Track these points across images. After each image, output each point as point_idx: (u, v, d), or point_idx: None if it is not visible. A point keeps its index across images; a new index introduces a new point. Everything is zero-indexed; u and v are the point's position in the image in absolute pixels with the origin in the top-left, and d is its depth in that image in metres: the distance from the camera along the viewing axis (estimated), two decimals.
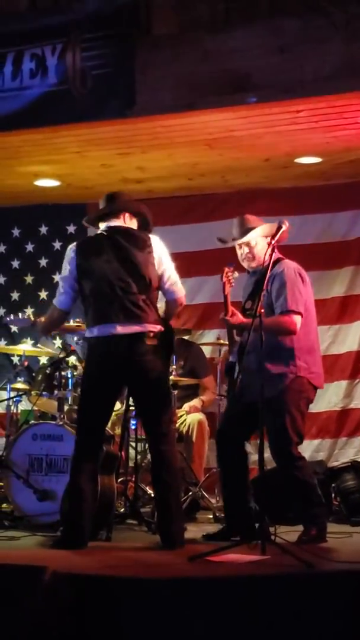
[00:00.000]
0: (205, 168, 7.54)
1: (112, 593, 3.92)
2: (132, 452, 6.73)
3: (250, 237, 5.47)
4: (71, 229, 8.56)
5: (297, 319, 5.32)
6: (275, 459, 5.32)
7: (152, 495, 6.19)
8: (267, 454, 5.05)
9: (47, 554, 5.00)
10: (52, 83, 6.51)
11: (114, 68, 6.34)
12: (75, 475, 5.20)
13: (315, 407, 7.47)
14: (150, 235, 5.35)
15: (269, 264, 5.11)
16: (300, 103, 6.08)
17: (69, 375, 6.39)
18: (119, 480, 6.15)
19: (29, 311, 8.53)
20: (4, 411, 7.18)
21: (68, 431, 5.97)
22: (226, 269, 5.46)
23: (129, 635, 3.85)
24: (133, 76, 6.28)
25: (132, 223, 5.41)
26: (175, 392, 6.51)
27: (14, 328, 8.61)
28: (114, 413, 6.18)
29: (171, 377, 6.36)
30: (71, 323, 6.27)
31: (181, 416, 7.10)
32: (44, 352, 7.75)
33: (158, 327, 5.23)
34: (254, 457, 5.71)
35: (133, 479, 6.47)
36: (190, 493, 6.49)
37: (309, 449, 7.49)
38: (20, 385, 6.97)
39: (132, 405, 6.08)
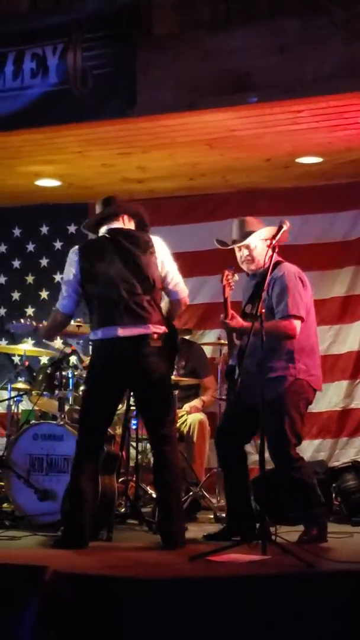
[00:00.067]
0: (206, 168, 7.54)
1: (112, 593, 3.92)
2: (132, 452, 6.73)
3: (250, 240, 5.47)
4: (72, 228, 8.57)
5: (297, 323, 5.32)
6: (273, 460, 5.32)
7: (153, 495, 6.20)
8: (268, 454, 5.05)
9: (47, 553, 5.00)
10: (53, 83, 6.51)
11: (115, 68, 6.34)
12: (76, 475, 5.20)
13: (316, 407, 7.48)
14: (152, 237, 5.35)
15: (269, 267, 5.10)
16: (300, 103, 6.08)
17: (70, 375, 6.40)
18: (120, 480, 6.15)
19: (30, 311, 8.54)
20: (5, 411, 7.19)
21: (69, 431, 5.97)
22: (226, 272, 5.45)
23: (129, 635, 3.85)
24: (134, 76, 6.28)
25: (131, 224, 5.41)
26: (176, 392, 6.52)
27: None
28: None
29: (172, 377, 6.37)
30: (72, 323, 6.27)
31: (182, 416, 7.10)
32: (44, 352, 7.76)
33: (162, 329, 5.23)
34: (254, 457, 5.72)
35: (134, 478, 6.48)
36: (191, 493, 6.48)
37: (309, 449, 7.50)
38: (21, 385, 6.97)
39: (132, 405, 6.08)
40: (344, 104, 6.06)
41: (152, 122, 6.43)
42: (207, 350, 7.71)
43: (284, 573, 4.20)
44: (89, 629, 3.88)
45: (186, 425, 7.09)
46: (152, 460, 5.50)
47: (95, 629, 3.89)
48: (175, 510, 5.22)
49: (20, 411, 7.20)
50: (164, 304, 5.40)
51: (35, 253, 8.76)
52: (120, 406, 6.34)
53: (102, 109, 6.39)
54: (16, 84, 6.60)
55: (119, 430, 6.55)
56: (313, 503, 5.35)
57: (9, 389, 6.95)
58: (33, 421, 6.44)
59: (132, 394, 5.74)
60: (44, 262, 8.72)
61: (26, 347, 7.27)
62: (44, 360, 8.15)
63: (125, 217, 5.41)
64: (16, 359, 8.20)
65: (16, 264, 8.82)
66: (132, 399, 5.95)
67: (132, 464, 6.64)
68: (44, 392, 6.40)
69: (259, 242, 5.49)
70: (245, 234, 5.50)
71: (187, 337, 7.47)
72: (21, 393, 6.94)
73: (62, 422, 6.09)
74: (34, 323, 6.25)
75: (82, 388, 6.32)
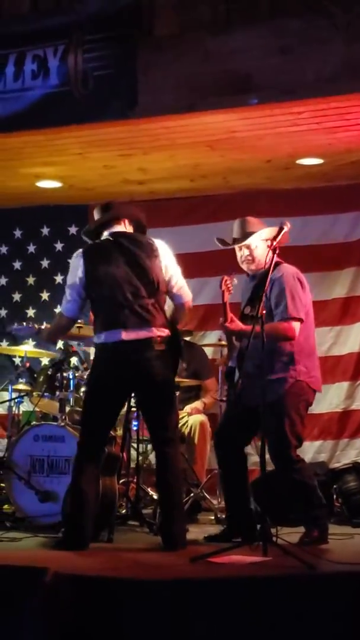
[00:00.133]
0: (206, 169, 7.54)
1: (113, 594, 3.91)
2: (133, 453, 6.72)
3: (251, 240, 5.47)
4: (73, 230, 8.57)
5: (297, 325, 5.32)
6: (274, 461, 5.32)
7: (154, 496, 6.20)
8: (268, 456, 5.04)
9: (48, 555, 5.00)
10: (53, 84, 6.51)
11: (116, 69, 6.35)
12: (77, 477, 5.20)
13: (317, 409, 7.48)
14: (156, 240, 5.36)
15: (269, 268, 5.09)
16: (301, 104, 6.08)
17: (71, 377, 6.40)
18: (121, 481, 6.15)
19: (31, 312, 8.55)
20: (6, 412, 7.18)
21: (69, 432, 5.97)
22: (225, 277, 5.45)
23: (130, 637, 3.85)
24: (135, 77, 6.28)
25: (130, 229, 5.42)
26: (177, 393, 6.51)
27: None
28: None
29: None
30: (75, 331, 6.27)
31: (182, 418, 7.10)
32: (45, 353, 7.77)
33: (166, 332, 5.24)
34: (254, 458, 5.72)
35: (134, 480, 6.47)
36: (192, 494, 6.48)
37: (310, 450, 7.50)
38: (21, 386, 6.97)
39: (133, 407, 6.08)
40: (344, 105, 6.06)
41: (152, 124, 6.43)
42: (208, 352, 7.71)
43: (285, 574, 4.20)
44: (89, 630, 3.88)
45: (187, 426, 7.09)
46: (152, 461, 5.50)
47: (96, 630, 3.88)
48: (177, 512, 5.22)
49: (21, 412, 7.20)
50: (167, 307, 5.40)
51: (36, 254, 8.76)
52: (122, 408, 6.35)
53: (102, 111, 6.39)
54: (17, 86, 6.60)
55: (119, 432, 6.55)
56: (314, 505, 5.35)
57: (9, 390, 6.96)
58: (34, 422, 6.45)
59: (132, 395, 5.74)
60: (45, 263, 8.72)
61: (27, 348, 7.28)
62: (45, 361, 8.16)
63: (126, 221, 5.42)
64: (17, 360, 8.20)
65: (17, 265, 8.82)
66: (132, 401, 5.94)
67: (132, 465, 6.64)
68: (45, 394, 6.40)
69: (259, 242, 5.49)
70: (246, 234, 5.50)
71: (187, 339, 7.47)
72: (22, 394, 6.95)
73: (63, 424, 6.10)
74: (36, 326, 6.26)
75: (83, 389, 6.33)
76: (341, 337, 7.80)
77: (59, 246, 8.65)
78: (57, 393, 6.34)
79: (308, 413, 5.58)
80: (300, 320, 5.33)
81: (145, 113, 6.29)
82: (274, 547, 4.60)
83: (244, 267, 5.58)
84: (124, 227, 5.40)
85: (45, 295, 8.66)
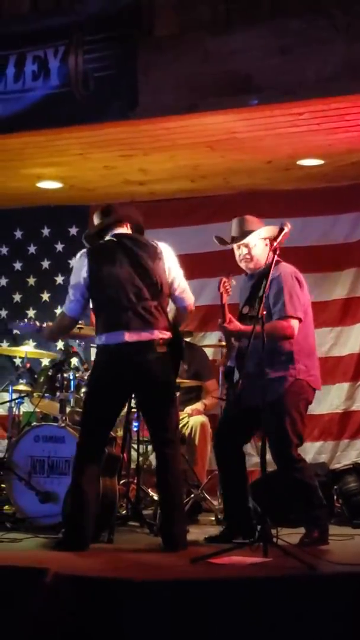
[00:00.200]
0: (207, 170, 7.54)
1: (113, 595, 3.91)
2: (134, 454, 6.72)
3: (249, 239, 5.47)
4: (73, 231, 8.57)
5: (295, 323, 5.32)
6: (275, 461, 5.33)
7: (154, 497, 6.20)
8: (269, 456, 5.04)
9: (49, 555, 5.00)
10: (54, 85, 6.51)
11: (116, 70, 6.35)
12: (77, 477, 5.20)
13: (317, 409, 7.49)
14: (159, 243, 5.36)
15: (270, 267, 5.09)
16: (301, 105, 6.08)
17: (71, 377, 6.39)
18: (121, 482, 6.15)
19: (31, 313, 8.54)
20: (6, 413, 7.18)
21: (70, 433, 5.97)
22: (223, 279, 5.44)
23: (130, 637, 3.85)
24: (135, 78, 6.28)
25: (130, 231, 5.42)
26: (178, 394, 6.51)
27: (16, 330, 8.61)
28: None
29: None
30: (76, 331, 6.27)
31: (183, 419, 7.10)
32: (46, 354, 7.76)
33: (168, 334, 5.24)
34: (255, 459, 5.72)
35: (135, 480, 6.47)
36: (193, 495, 6.48)
37: (311, 451, 7.49)
38: (22, 387, 6.97)
39: (133, 407, 6.08)
40: (345, 106, 6.06)
41: (153, 124, 6.43)
42: (209, 352, 7.71)
43: (286, 575, 4.20)
44: (90, 631, 3.88)
45: (188, 427, 7.09)
46: (153, 462, 5.50)
47: (97, 631, 3.88)
48: (177, 513, 5.22)
49: (21, 413, 7.20)
50: (169, 309, 5.40)
51: (36, 255, 8.76)
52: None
53: (103, 111, 6.39)
54: (17, 87, 6.61)
55: (120, 432, 6.55)
56: (314, 505, 5.35)
57: (10, 390, 6.96)
58: (34, 423, 6.44)
59: (133, 396, 5.73)
60: (45, 264, 8.72)
61: (27, 349, 7.28)
62: (46, 362, 8.16)
63: (128, 224, 5.42)
64: (17, 361, 8.20)
65: (17, 265, 8.82)
66: (133, 401, 5.94)
67: (133, 466, 6.63)
68: (46, 394, 6.40)
69: (258, 241, 5.49)
70: (244, 232, 5.50)
71: (188, 340, 7.46)
72: (22, 395, 6.94)
73: (63, 424, 6.09)
74: (38, 323, 6.25)
75: (83, 390, 6.32)
76: (341, 338, 7.80)
77: (59, 247, 8.65)
78: (58, 394, 6.33)
79: (308, 414, 5.58)
80: (298, 319, 5.33)
81: (145, 114, 6.29)
82: (275, 548, 4.60)
83: (242, 265, 5.58)
84: (127, 229, 5.40)
85: (45, 296, 8.65)
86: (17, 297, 8.77)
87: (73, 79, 6.45)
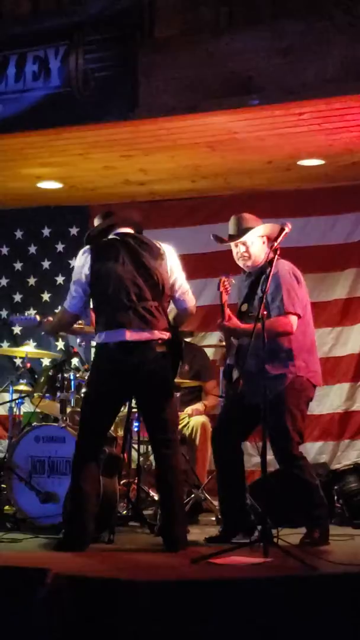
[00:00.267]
0: (207, 170, 7.54)
1: (114, 595, 3.91)
2: (134, 454, 6.73)
3: (247, 237, 5.46)
4: (74, 231, 8.57)
5: (294, 319, 5.33)
6: (277, 458, 5.33)
7: (155, 497, 6.20)
8: (270, 456, 5.04)
9: (49, 556, 5.00)
10: (55, 85, 6.52)
11: (117, 70, 6.35)
12: (76, 477, 5.20)
13: (318, 410, 7.50)
14: (163, 244, 5.36)
15: (270, 266, 5.10)
16: (302, 105, 6.08)
17: (72, 378, 6.39)
18: (122, 482, 6.15)
19: (31, 313, 8.53)
20: (7, 413, 7.18)
21: (70, 433, 5.97)
22: (223, 279, 5.45)
23: (131, 638, 3.85)
24: (136, 78, 6.29)
25: (132, 231, 5.43)
26: (178, 394, 6.52)
27: (16, 330, 8.62)
28: None
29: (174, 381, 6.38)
30: (75, 326, 6.27)
31: (183, 419, 7.10)
32: (46, 354, 7.76)
33: (167, 335, 5.24)
34: (255, 459, 5.72)
35: (135, 481, 6.47)
36: (193, 495, 6.48)
37: (311, 451, 7.49)
38: (22, 387, 6.97)
39: (134, 408, 6.08)
40: (345, 106, 6.07)
41: (153, 125, 6.43)
42: (209, 353, 7.70)
43: (286, 576, 4.20)
44: (91, 632, 3.88)
45: (188, 428, 7.09)
46: (153, 462, 5.49)
47: (97, 632, 3.88)
48: (178, 513, 5.22)
49: (22, 413, 7.20)
50: (170, 310, 5.41)
51: (37, 255, 8.76)
52: (122, 408, 6.34)
53: (103, 112, 6.40)
54: (18, 87, 6.61)
55: (120, 433, 6.55)
56: (315, 503, 5.35)
57: (10, 391, 6.96)
58: (35, 423, 6.44)
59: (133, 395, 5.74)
60: (46, 264, 8.72)
61: (28, 349, 7.27)
62: (46, 362, 8.16)
63: (130, 226, 5.42)
64: (18, 361, 8.21)
65: (18, 266, 8.82)
66: (133, 401, 5.94)
67: (133, 466, 6.64)
68: (46, 395, 6.39)
69: (256, 239, 5.49)
70: (242, 230, 5.49)
71: (188, 340, 7.46)
72: (23, 395, 6.94)
73: (63, 425, 6.09)
74: (38, 317, 6.24)
75: (84, 390, 6.32)
76: (342, 338, 7.80)
77: (59, 247, 8.65)
78: (58, 394, 6.33)
79: (309, 414, 5.58)
80: (297, 314, 5.34)
81: (146, 114, 6.29)
82: (275, 548, 4.60)
83: (240, 263, 5.57)
84: (130, 230, 5.41)
85: (46, 296, 8.66)
86: (17, 297, 8.77)
87: (73, 79, 6.45)
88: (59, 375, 6.41)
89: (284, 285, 5.34)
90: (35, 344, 8.18)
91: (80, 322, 6.26)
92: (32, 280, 8.77)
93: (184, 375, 6.94)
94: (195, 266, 7.64)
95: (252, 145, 6.85)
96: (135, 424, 6.63)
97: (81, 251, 5.35)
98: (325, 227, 7.94)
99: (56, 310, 8.05)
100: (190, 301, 5.43)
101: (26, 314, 6.46)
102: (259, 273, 5.44)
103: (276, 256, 5.10)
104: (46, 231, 8.73)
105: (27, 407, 7.22)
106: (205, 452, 7.05)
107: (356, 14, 5.87)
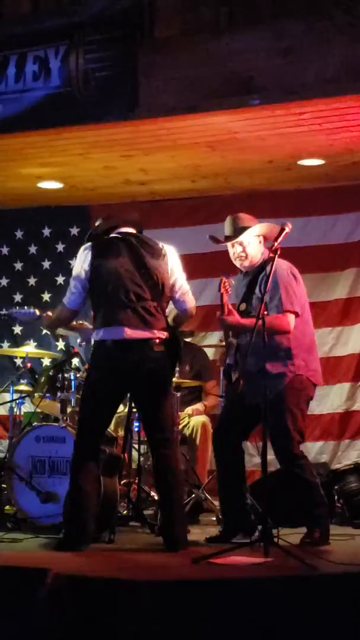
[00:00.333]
0: (208, 170, 7.54)
1: (114, 595, 3.91)
2: (135, 454, 6.72)
3: (243, 237, 5.46)
4: (74, 231, 8.57)
5: (292, 318, 5.33)
6: (278, 458, 5.34)
7: (155, 497, 6.20)
8: (270, 456, 5.04)
9: (50, 556, 5.00)
10: (55, 85, 6.52)
11: (117, 70, 6.35)
12: (75, 476, 5.20)
13: (318, 409, 7.50)
14: (165, 245, 5.36)
15: (270, 266, 5.09)
16: (303, 105, 6.08)
17: (72, 378, 6.39)
18: (122, 482, 6.15)
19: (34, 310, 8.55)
20: (7, 413, 7.18)
21: (71, 433, 5.97)
22: (224, 279, 5.45)
23: (131, 638, 3.85)
24: (136, 78, 6.29)
25: (134, 231, 5.43)
26: (178, 394, 6.52)
27: (17, 330, 8.62)
28: (116, 415, 6.19)
29: (174, 379, 6.37)
30: (73, 323, 6.26)
31: (184, 419, 7.11)
32: (47, 354, 7.76)
33: (165, 334, 5.24)
34: (256, 459, 5.72)
35: (136, 481, 6.47)
36: (194, 495, 6.49)
37: (312, 451, 7.49)
38: (23, 387, 6.97)
39: (134, 408, 6.08)
40: (346, 106, 6.07)
41: (154, 125, 6.43)
42: (209, 353, 7.70)
43: (287, 575, 4.20)
44: (91, 632, 3.88)
45: (189, 427, 7.09)
46: None
47: (98, 632, 3.88)
48: (177, 513, 5.22)
49: (22, 413, 7.19)
50: (170, 310, 5.41)
51: (37, 255, 8.76)
52: (122, 408, 6.35)
53: (104, 112, 6.40)
54: (18, 87, 6.61)
55: (121, 432, 6.55)
56: (316, 503, 5.35)
57: (11, 391, 6.96)
58: (35, 423, 6.44)
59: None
60: (46, 264, 8.72)
61: (28, 349, 7.28)
62: (47, 362, 8.16)
63: (131, 226, 5.43)
64: (18, 361, 8.21)
65: (18, 266, 8.82)
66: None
67: (134, 466, 6.64)
68: (47, 395, 6.39)
69: (252, 239, 5.49)
70: (238, 230, 5.49)
71: (188, 340, 7.47)
72: (23, 395, 6.94)
73: (64, 425, 6.09)
74: (38, 311, 6.23)
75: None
76: (342, 338, 7.80)
77: (60, 247, 8.65)
78: (59, 394, 6.33)
79: (309, 414, 5.57)
80: (295, 313, 5.34)
81: (146, 114, 6.29)
82: (276, 548, 4.61)
83: (237, 264, 5.57)
84: (132, 230, 5.41)
85: (46, 296, 8.65)
86: (17, 297, 8.77)
87: (74, 79, 6.45)
88: (60, 375, 6.41)
89: (282, 284, 5.34)
90: (35, 344, 8.18)
91: (81, 321, 6.27)
92: (32, 281, 8.76)
93: (184, 375, 6.95)
94: (196, 266, 7.62)
95: (253, 145, 6.85)
96: (136, 424, 6.63)
97: (82, 248, 5.35)
98: (326, 226, 7.94)
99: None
100: (191, 302, 5.43)
101: (25, 307, 6.43)
102: (256, 272, 5.45)
103: (275, 257, 5.10)
104: (46, 231, 8.73)
105: (27, 407, 7.22)
106: (205, 452, 7.05)
107: (356, 14, 5.87)
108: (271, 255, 5.11)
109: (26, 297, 8.72)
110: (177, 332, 5.40)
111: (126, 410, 6.29)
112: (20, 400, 6.95)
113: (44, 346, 8.19)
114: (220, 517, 6.35)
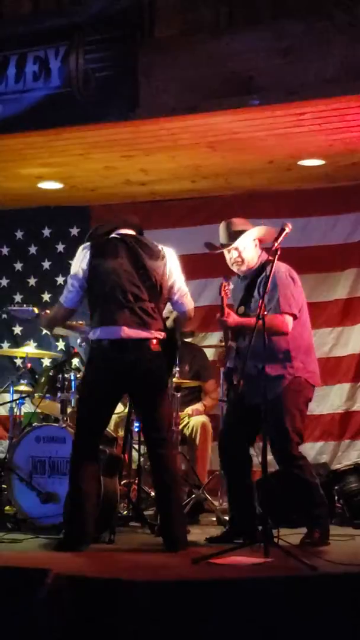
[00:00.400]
0: (208, 170, 7.54)
1: (114, 595, 3.91)
2: (135, 454, 6.72)
3: (239, 242, 5.46)
4: (74, 231, 8.57)
5: (289, 319, 5.33)
6: (277, 459, 5.34)
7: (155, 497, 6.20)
8: (270, 457, 5.04)
9: (50, 556, 5.01)
10: (55, 86, 6.52)
11: (117, 70, 6.35)
12: (75, 477, 5.20)
13: (318, 410, 7.50)
14: (164, 247, 5.36)
15: (263, 268, 5.10)
16: (303, 105, 6.08)
17: (72, 378, 6.39)
18: (122, 482, 6.15)
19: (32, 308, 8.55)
20: (7, 413, 7.18)
21: (71, 433, 5.97)
22: (223, 283, 5.46)
23: (131, 638, 3.85)
24: (136, 79, 6.28)
25: (134, 232, 5.43)
26: (178, 394, 6.52)
27: (17, 330, 8.62)
28: (116, 415, 6.20)
29: (174, 379, 6.38)
30: (73, 323, 6.27)
31: (184, 419, 7.10)
32: (47, 354, 7.76)
33: (162, 334, 5.24)
34: (256, 459, 5.72)
35: (136, 481, 6.47)
36: (194, 495, 6.49)
37: (312, 451, 7.50)
38: (23, 388, 6.98)
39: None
40: (346, 106, 6.07)
41: (154, 125, 6.43)
42: (209, 353, 7.70)
43: (287, 576, 4.20)
44: (91, 632, 3.88)
45: (189, 428, 7.09)
46: None
47: (98, 632, 3.88)
48: (176, 513, 5.22)
49: (22, 414, 7.20)
50: (169, 312, 5.41)
51: (37, 255, 8.76)
52: (122, 408, 6.35)
53: (104, 112, 6.39)
54: (18, 87, 6.61)
55: (121, 433, 6.55)
56: (316, 503, 5.35)
57: (11, 391, 6.96)
58: (35, 424, 6.45)
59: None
60: (46, 264, 8.71)
61: (29, 349, 7.28)
62: (47, 362, 8.16)
63: (131, 228, 5.43)
64: (18, 362, 8.20)
65: (18, 266, 8.82)
66: None
67: (134, 466, 6.64)
68: (47, 395, 6.40)
69: (248, 243, 5.48)
70: (233, 235, 5.49)
71: (188, 340, 7.47)
72: (23, 395, 6.95)
73: (64, 425, 6.10)
74: (36, 309, 6.24)
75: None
76: (342, 338, 7.80)
77: (60, 247, 8.64)
78: (59, 394, 6.34)
79: (309, 414, 5.58)
80: (293, 315, 5.34)
81: (146, 114, 6.29)
82: (276, 548, 4.61)
83: (234, 269, 5.58)
84: (132, 231, 5.41)
85: (46, 297, 8.65)
86: (17, 298, 8.76)
87: (74, 79, 6.45)
88: (60, 376, 6.41)
89: (280, 286, 5.35)
90: (35, 344, 8.18)
91: (81, 321, 6.27)
92: (32, 281, 8.76)
93: (184, 375, 6.95)
94: (196, 266, 7.63)
95: (253, 146, 6.85)
96: (136, 424, 6.62)
97: (81, 247, 5.36)
98: (326, 227, 7.94)
99: None
100: (189, 304, 5.42)
101: (24, 305, 6.43)
102: (254, 275, 5.45)
103: (275, 258, 5.09)
104: (46, 231, 8.73)
105: (27, 407, 7.22)
106: (205, 452, 7.06)
107: (356, 14, 5.87)
108: (270, 257, 5.11)
109: (26, 297, 8.72)
110: (174, 333, 5.40)
111: (126, 410, 6.29)
112: (20, 400, 6.96)
113: (44, 346, 8.19)
114: (220, 517, 6.37)
